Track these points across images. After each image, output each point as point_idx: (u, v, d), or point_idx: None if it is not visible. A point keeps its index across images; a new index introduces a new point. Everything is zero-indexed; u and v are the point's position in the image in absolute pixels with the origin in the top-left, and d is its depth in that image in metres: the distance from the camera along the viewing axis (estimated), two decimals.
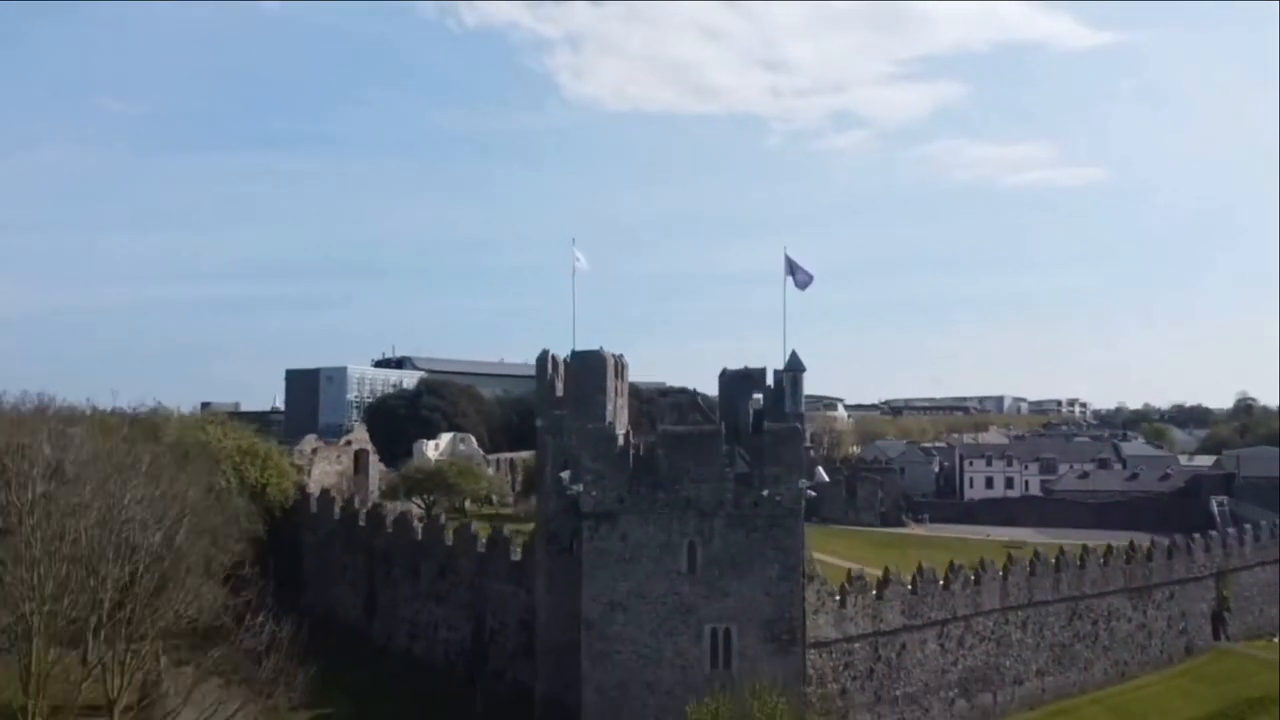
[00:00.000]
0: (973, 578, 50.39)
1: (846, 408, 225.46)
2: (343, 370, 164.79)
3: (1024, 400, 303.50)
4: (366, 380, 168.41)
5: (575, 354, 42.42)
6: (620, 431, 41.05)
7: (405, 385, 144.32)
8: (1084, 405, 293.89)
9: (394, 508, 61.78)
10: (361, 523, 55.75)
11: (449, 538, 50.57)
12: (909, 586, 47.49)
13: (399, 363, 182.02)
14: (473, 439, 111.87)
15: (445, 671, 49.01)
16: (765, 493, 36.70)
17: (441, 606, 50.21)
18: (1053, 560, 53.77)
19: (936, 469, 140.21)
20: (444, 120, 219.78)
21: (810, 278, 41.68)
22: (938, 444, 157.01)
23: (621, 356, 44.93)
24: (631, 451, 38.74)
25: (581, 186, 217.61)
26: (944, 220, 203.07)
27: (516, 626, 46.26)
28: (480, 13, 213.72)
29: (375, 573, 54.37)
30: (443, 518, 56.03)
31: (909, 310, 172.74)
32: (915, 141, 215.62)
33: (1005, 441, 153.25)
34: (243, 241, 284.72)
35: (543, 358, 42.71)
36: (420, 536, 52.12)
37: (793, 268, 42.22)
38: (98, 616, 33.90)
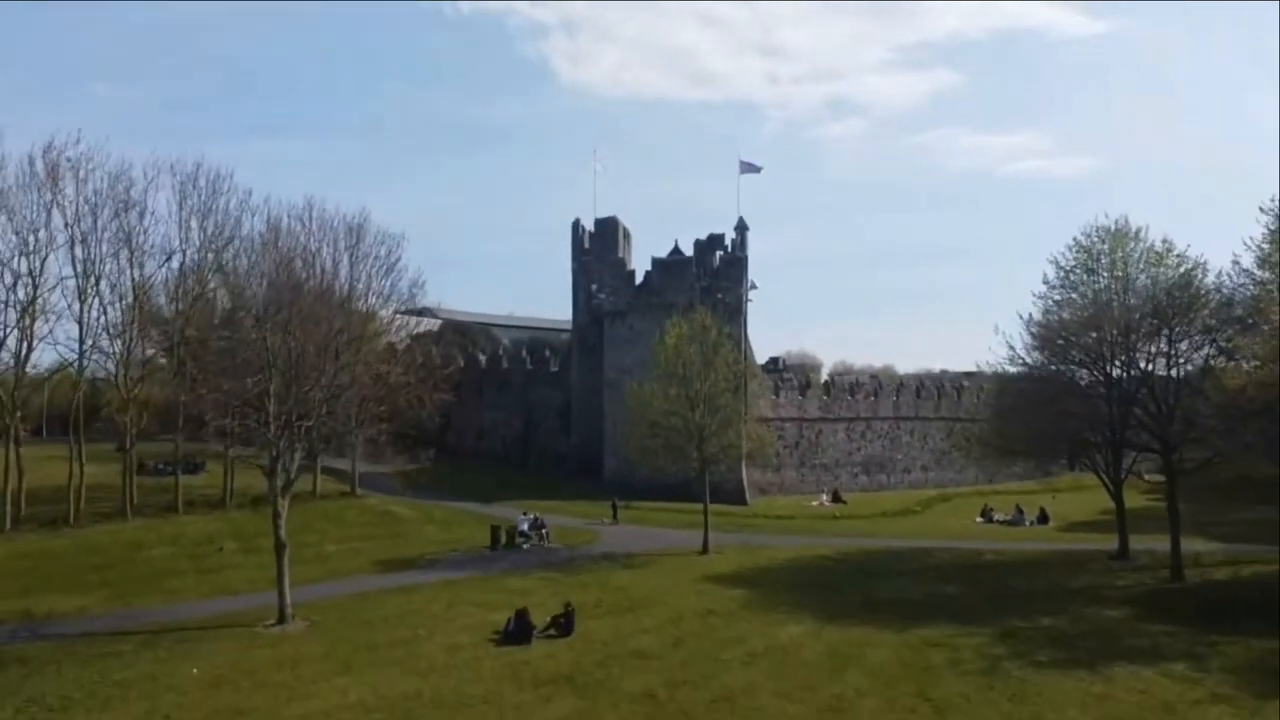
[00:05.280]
0: (873, 394, 71.55)
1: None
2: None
3: None
4: (391, 326, 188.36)
5: (598, 220, 63.46)
6: (627, 265, 62.09)
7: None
8: None
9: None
10: (436, 362, 76.44)
11: (504, 362, 71.53)
12: (824, 394, 68.70)
13: (419, 313, 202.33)
14: None
15: (504, 454, 69.99)
16: (719, 296, 57.58)
17: (500, 411, 71.09)
18: (935, 389, 74.99)
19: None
20: (440, 108, 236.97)
21: (753, 168, 62.03)
22: None
23: (628, 229, 65.88)
24: (634, 274, 59.58)
25: (578, 175, 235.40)
26: (940, 209, 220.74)
27: (554, 416, 67.20)
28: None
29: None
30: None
31: (905, 301, 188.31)
32: (912, 130, 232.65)
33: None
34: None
35: (575, 222, 63.75)
36: (485, 366, 73.01)
37: (745, 167, 62.93)
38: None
